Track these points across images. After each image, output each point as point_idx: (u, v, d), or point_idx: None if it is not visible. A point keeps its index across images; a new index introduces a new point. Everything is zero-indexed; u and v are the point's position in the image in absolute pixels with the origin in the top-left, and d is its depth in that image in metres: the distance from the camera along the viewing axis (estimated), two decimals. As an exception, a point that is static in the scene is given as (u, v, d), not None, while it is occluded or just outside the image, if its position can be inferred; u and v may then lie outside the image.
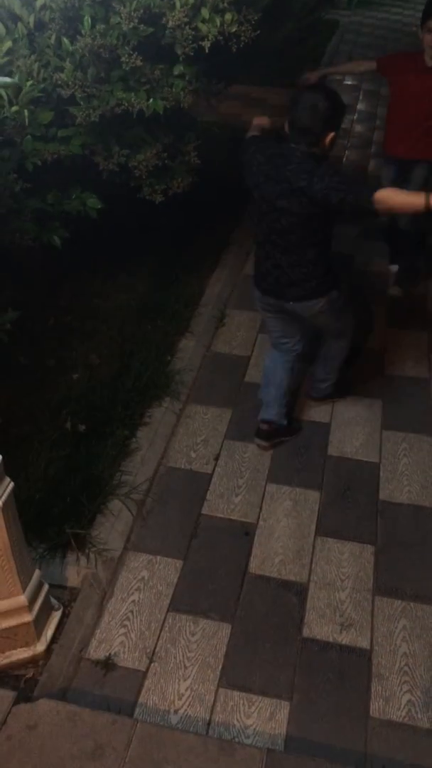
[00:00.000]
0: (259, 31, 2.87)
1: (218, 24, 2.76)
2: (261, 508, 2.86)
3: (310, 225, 2.59)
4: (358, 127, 7.47)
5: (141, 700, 2.21)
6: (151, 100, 2.85)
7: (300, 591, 2.54)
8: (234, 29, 2.78)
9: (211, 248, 4.66)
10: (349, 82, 9.07)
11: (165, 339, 3.75)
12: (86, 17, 2.69)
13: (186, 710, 2.18)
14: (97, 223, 3.35)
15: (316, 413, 3.37)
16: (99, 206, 3.21)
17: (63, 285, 4.09)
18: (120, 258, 4.29)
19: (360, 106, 8.18)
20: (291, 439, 3.19)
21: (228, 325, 4.03)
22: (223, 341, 3.90)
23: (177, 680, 2.26)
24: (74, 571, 2.51)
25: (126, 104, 2.83)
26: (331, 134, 2.49)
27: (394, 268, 4.51)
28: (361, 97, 8.52)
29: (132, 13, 2.71)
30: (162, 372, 3.46)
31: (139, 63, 2.77)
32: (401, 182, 3.83)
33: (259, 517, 2.82)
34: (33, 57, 2.79)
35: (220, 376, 3.62)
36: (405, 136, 3.80)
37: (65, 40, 2.75)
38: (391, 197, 2.39)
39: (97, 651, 2.33)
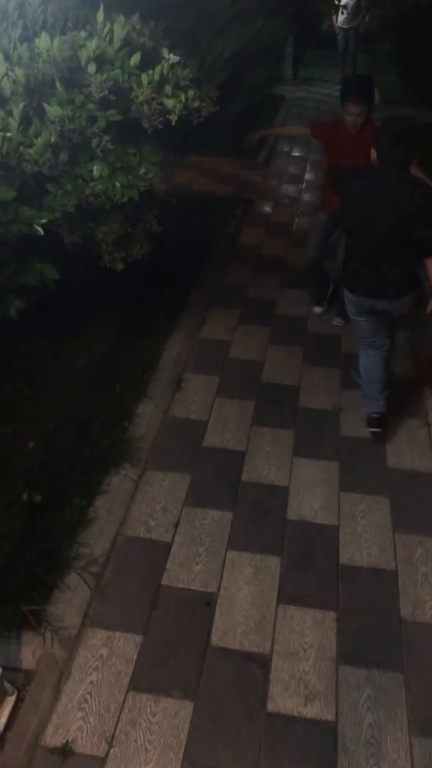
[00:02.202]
0: (218, 107, 3.03)
1: (183, 99, 2.90)
2: (222, 577, 2.82)
3: (407, 231, 3.08)
4: (306, 196, 7.77)
5: (100, 789, 2.11)
6: (123, 187, 2.94)
7: (263, 662, 2.49)
8: (196, 104, 2.92)
9: (168, 313, 4.72)
10: (297, 154, 9.50)
11: (122, 404, 3.74)
12: (53, 105, 2.78)
13: (148, 798, 2.09)
14: (53, 288, 3.37)
15: (275, 476, 3.38)
16: (57, 277, 3.24)
17: (17, 350, 4.07)
18: (76, 322, 4.31)
19: (307, 176, 8.53)
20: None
21: (185, 389, 4.05)
22: (181, 405, 3.91)
23: (138, 765, 2.17)
24: (29, 652, 2.41)
25: (102, 196, 2.91)
26: (415, 160, 3.08)
27: (318, 309, 5.00)
28: (308, 167, 8.90)
29: (102, 84, 2.82)
30: (120, 439, 3.44)
31: (109, 146, 2.86)
32: (332, 229, 4.52)
33: (220, 586, 2.78)
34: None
35: (178, 441, 3.62)
36: None
37: (36, 121, 2.82)
38: None
39: (53, 737, 2.22)
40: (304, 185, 8.14)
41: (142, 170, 3.14)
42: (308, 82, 14.29)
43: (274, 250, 6.24)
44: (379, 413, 3.62)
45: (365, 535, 3.04)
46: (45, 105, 2.80)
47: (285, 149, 9.64)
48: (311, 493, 3.29)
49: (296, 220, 6.97)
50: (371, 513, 3.17)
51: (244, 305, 5.14)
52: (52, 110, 2.75)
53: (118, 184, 3.00)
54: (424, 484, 3.35)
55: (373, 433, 3.62)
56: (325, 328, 4.83)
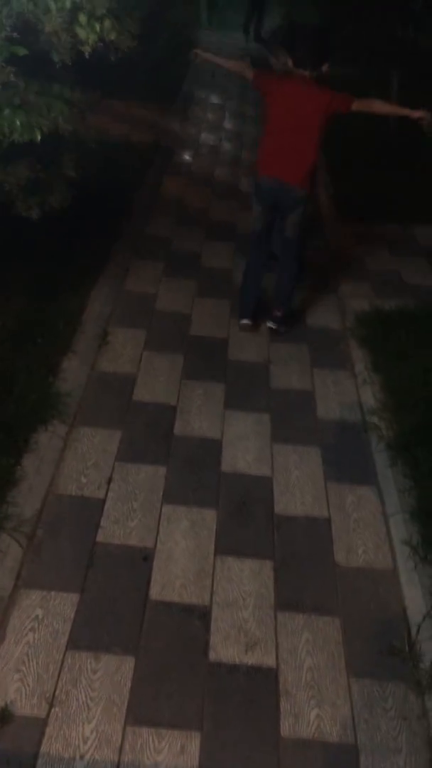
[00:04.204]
0: (137, 42, 2.85)
1: (97, 30, 2.69)
2: (158, 531, 2.78)
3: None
4: (226, 145, 7.63)
5: (43, 749, 2.05)
6: (22, 126, 2.72)
7: (203, 614, 2.48)
8: (113, 37, 2.73)
9: (90, 265, 4.54)
10: (215, 102, 9.28)
11: (46, 359, 3.58)
12: None
13: (93, 754, 2.05)
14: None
15: (207, 430, 3.35)
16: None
17: None
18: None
19: (227, 125, 8.37)
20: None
21: (112, 343, 3.93)
22: (108, 360, 3.79)
23: (81, 723, 2.13)
24: (-40, 617, 2.31)
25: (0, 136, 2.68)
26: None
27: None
28: (227, 116, 8.74)
29: (4, 21, 2.57)
30: (46, 395, 3.29)
31: (12, 78, 2.63)
32: None
33: (156, 541, 2.74)
34: None
35: (107, 396, 3.51)
36: None
37: None
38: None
39: (-10, 702, 2.15)
40: (223, 134, 7.98)
41: (46, 109, 2.92)
42: (224, 25, 13.92)
43: (197, 201, 6.11)
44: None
45: (298, 485, 3.08)
46: None
47: (202, 96, 9.40)
48: (244, 445, 3.28)
49: (217, 170, 6.83)
50: (304, 463, 3.20)
51: (169, 257, 5.02)
52: None
53: (18, 122, 2.77)
54: (353, 435, 3.42)
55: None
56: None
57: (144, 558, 2.67)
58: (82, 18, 2.81)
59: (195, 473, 3.09)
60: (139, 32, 3.19)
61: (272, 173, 3.80)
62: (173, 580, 2.60)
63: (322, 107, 3.62)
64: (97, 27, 2.70)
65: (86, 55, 2.73)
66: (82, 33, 2.68)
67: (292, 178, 3.76)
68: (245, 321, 4.16)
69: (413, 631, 2.45)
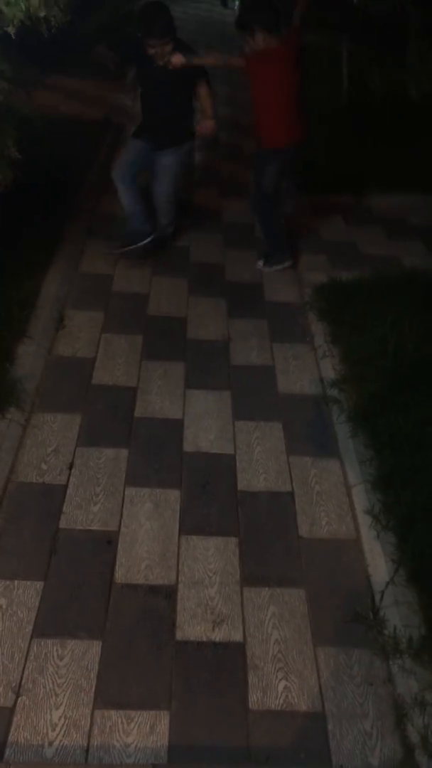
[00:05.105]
0: (70, 17, 2.76)
1: (23, 8, 2.59)
2: (122, 515, 2.76)
3: None
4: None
5: (11, 739, 2.04)
6: None
7: (169, 594, 2.48)
8: (43, 14, 2.63)
9: (43, 246, 4.44)
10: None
11: (1, 345, 3.51)
12: None
13: (62, 740, 2.05)
14: None
15: (169, 410, 3.33)
16: None
17: None
18: None
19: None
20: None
21: (69, 326, 3.86)
22: (65, 344, 3.73)
23: (48, 710, 2.12)
24: None
25: None
26: None
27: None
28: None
29: None
30: (2, 381, 3.23)
31: None
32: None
33: (120, 524, 2.72)
34: None
35: (66, 380, 3.46)
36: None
37: None
38: None
39: None
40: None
41: None
42: (176, -2, 13.60)
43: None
44: None
45: (261, 460, 3.08)
46: None
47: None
48: (206, 424, 3.27)
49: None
50: (266, 439, 3.20)
51: (124, 236, 4.92)
52: None
53: None
54: (315, 408, 3.43)
55: None
56: (208, 258, 4.75)
57: (108, 542, 2.65)
58: None
59: (157, 454, 3.07)
60: (78, 4, 3.09)
61: (292, 141, 4.14)
62: (138, 562, 2.59)
63: (294, 45, 3.96)
64: (23, 5, 2.59)
65: (12, 35, 2.62)
66: (7, 12, 2.58)
67: (303, 134, 4.17)
68: (291, 261, 4.60)
69: (377, 598, 2.48)
